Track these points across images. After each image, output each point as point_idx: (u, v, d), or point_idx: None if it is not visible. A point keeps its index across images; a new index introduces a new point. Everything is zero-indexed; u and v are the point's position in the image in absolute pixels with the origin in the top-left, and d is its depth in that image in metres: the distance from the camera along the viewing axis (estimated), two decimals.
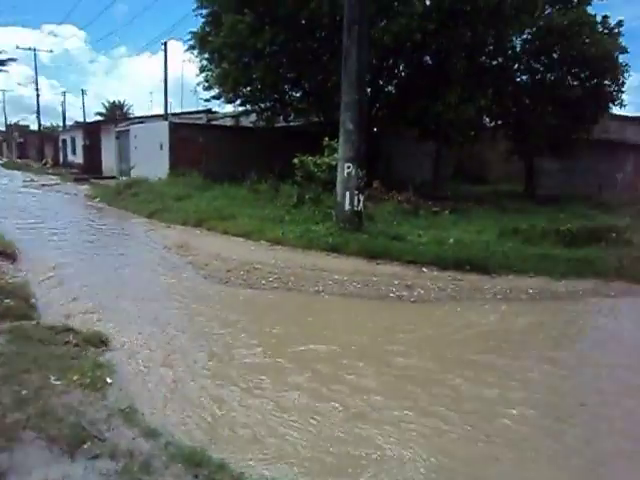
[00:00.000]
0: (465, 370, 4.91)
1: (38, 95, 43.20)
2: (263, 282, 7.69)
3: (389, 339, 5.65)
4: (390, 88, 18.22)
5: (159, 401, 4.13)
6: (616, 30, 16.65)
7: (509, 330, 6.19)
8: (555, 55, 17.00)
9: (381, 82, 17.41)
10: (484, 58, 17.11)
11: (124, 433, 3.51)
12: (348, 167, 9.65)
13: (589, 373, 5.20)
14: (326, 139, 12.65)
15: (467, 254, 8.54)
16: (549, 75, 17.48)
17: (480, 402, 4.35)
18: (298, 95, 18.49)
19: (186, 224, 12.02)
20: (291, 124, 19.40)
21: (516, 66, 17.88)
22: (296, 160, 12.70)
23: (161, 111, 25.25)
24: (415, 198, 13.93)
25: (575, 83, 16.90)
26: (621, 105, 17.14)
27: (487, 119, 19.05)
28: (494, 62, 17.52)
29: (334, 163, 12.08)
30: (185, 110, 25.83)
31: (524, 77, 18.28)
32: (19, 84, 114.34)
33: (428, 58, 17.07)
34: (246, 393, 4.33)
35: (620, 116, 19.81)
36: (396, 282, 7.75)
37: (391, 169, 19.60)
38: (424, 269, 8.41)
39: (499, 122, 19.02)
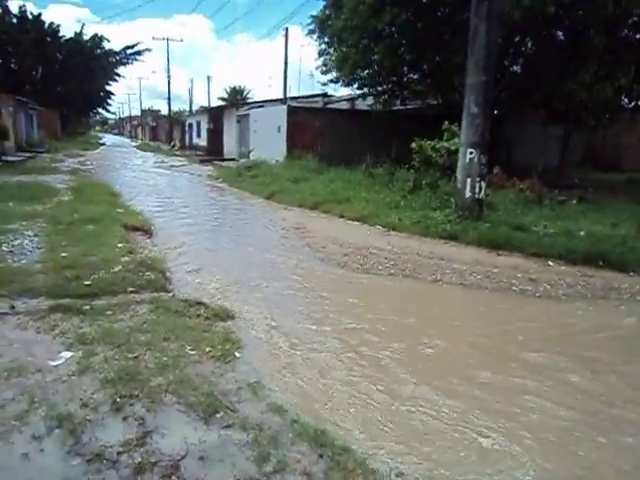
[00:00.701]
0: (599, 374, 4.57)
1: (169, 82, 46.34)
2: (379, 267, 7.69)
3: (516, 335, 5.40)
4: (515, 68, 17.19)
5: (284, 380, 4.30)
6: None
7: None
8: None
9: (506, 62, 16.43)
10: (626, 32, 15.49)
11: (253, 406, 3.71)
12: (470, 152, 9.29)
13: None
14: (446, 123, 12.28)
15: (601, 248, 7.87)
16: None
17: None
18: (416, 77, 18.11)
19: (302, 206, 12.34)
20: (408, 107, 19.06)
21: None
22: (414, 144, 12.48)
23: (279, 95, 26.02)
24: (539, 186, 13.07)
25: None
26: None
27: (626, 99, 17.35)
28: (638, 35, 15.80)
29: (454, 148, 11.74)
30: (302, 94, 26.35)
31: None
32: (153, 72, 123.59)
33: (560, 34, 15.85)
34: (371, 383, 4.37)
35: None
36: (519, 275, 7.37)
37: (513, 155, 18.61)
38: (550, 263, 7.90)
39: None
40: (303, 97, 25.29)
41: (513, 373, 4.56)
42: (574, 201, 12.72)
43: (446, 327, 5.64)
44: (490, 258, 8.16)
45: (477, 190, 9.38)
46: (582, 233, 8.63)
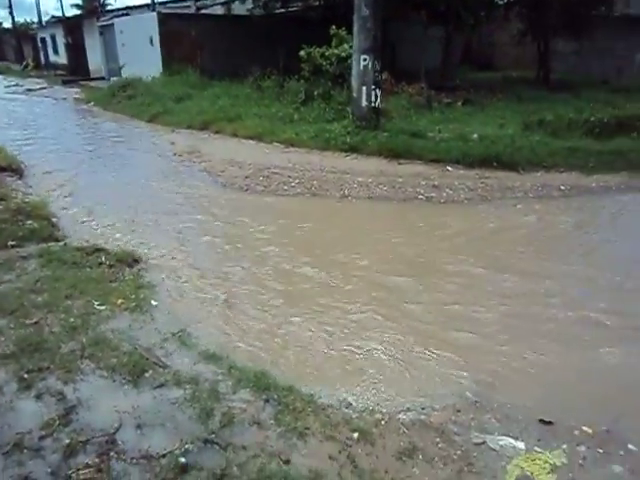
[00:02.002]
0: (510, 274, 4.84)
1: None
2: (285, 188, 7.44)
3: (430, 243, 5.54)
4: None
5: (209, 321, 4.05)
6: None
7: (547, 231, 6.04)
8: None
9: None
10: None
11: (183, 358, 3.46)
12: (364, 59, 8.97)
13: None
14: (333, 27, 11.71)
15: (494, 150, 8.19)
16: None
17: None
18: None
19: (191, 127, 11.46)
20: (289, 10, 17.97)
21: None
22: (302, 52, 11.83)
23: (145, 0, 23.25)
24: (427, 90, 13.23)
25: None
26: None
27: None
28: None
29: (344, 55, 11.33)
30: None
31: None
32: None
33: None
34: (299, 314, 4.25)
35: None
36: (423, 183, 7.51)
37: (396, 58, 18.51)
38: (449, 167, 8.11)
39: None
40: (172, 1, 22.80)
41: (439, 284, 4.68)
42: (459, 103, 13.08)
43: (365, 243, 5.63)
44: (392, 167, 8.19)
45: (373, 98, 9.21)
46: (475, 136, 8.90)
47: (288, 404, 3.00)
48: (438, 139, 8.88)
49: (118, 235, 5.75)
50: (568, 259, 5.28)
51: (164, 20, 17.40)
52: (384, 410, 3.04)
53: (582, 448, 2.76)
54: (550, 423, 2.92)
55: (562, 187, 7.34)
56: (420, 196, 7.10)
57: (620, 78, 16.86)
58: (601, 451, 2.74)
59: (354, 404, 3.11)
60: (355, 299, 4.38)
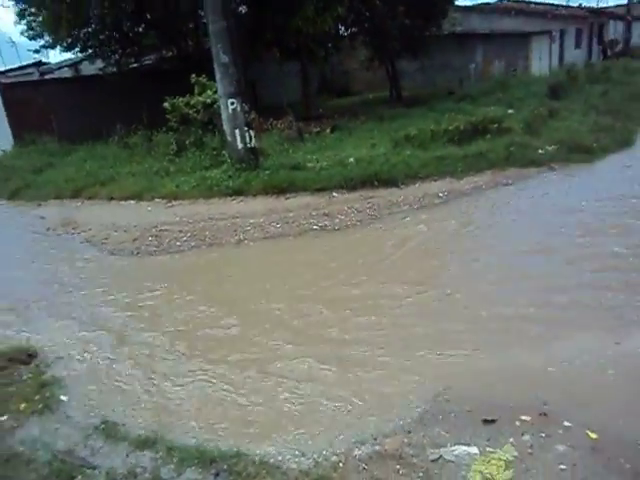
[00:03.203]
0: (408, 285, 5.08)
1: None
2: (178, 244, 7.20)
3: (339, 273, 5.64)
4: (241, 9, 17.14)
5: (131, 404, 3.75)
6: None
7: (438, 236, 6.46)
8: None
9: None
10: None
11: (113, 452, 3.17)
12: (232, 103, 9.06)
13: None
14: (193, 76, 11.72)
15: (372, 170, 8.61)
16: None
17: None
18: (141, 29, 16.73)
19: (60, 197, 10.66)
20: (144, 64, 17.66)
21: None
22: (166, 104, 11.66)
23: None
24: (296, 123, 13.64)
25: None
26: None
27: (342, 28, 18.96)
28: None
29: (209, 101, 11.36)
30: (9, 67, 22.31)
31: None
32: None
33: None
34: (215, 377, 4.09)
35: (464, 7, 20.67)
36: (314, 213, 7.67)
37: (258, 96, 18.91)
38: (334, 194, 8.38)
39: (354, 30, 19.02)
40: (11, 70, 21.43)
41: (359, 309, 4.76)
42: (328, 130, 13.63)
43: (270, 285, 5.58)
44: (281, 203, 8.28)
45: (248, 139, 9.29)
46: (352, 160, 9.30)
47: (240, 472, 2.86)
48: (318, 168, 9.15)
49: (3, 330, 5.17)
50: (460, 257, 5.69)
51: (6, 90, 16.26)
52: (338, 451, 3.01)
53: (527, 437, 2.93)
54: (493, 421, 3.07)
55: (440, 194, 7.90)
56: (314, 227, 7.23)
57: (462, 87, 18.68)
58: (543, 435, 2.93)
59: (307, 453, 3.03)
60: (270, 346, 4.32)
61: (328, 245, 6.65)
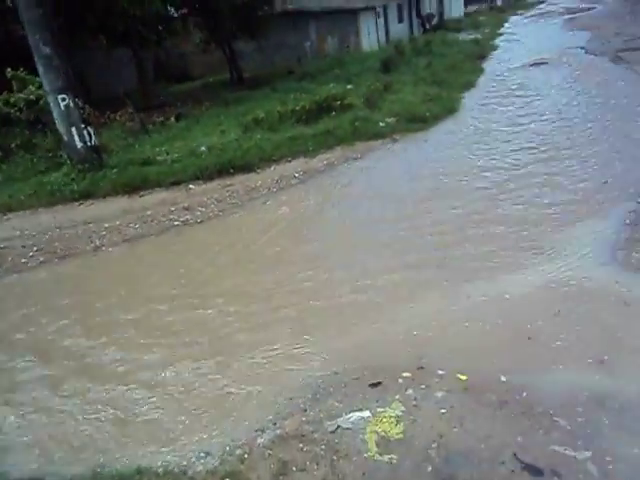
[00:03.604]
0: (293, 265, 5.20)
1: None
2: (24, 261, 6.48)
3: (211, 269, 5.54)
4: None
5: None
6: None
7: (305, 214, 6.65)
8: None
9: None
10: None
11: None
12: (63, 99, 8.27)
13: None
14: (9, 70, 10.48)
15: (226, 158, 8.50)
16: None
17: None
18: None
19: None
20: None
21: None
22: None
23: None
24: (137, 114, 12.89)
25: None
26: None
27: (172, 9, 18.16)
28: None
29: (33, 97, 10.29)
30: None
31: None
32: None
33: None
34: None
35: None
36: (172, 208, 7.40)
37: (89, 87, 17.48)
38: (191, 186, 8.14)
39: (185, 11, 18.34)
40: None
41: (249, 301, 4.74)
42: (172, 119, 13.13)
43: (143, 291, 5.31)
44: (135, 202, 7.85)
45: (87, 138, 8.60)
46: (203, 148, 9.09)
47: None
48: (170, 161, 8.81)
49: None
50: (328, 234, 5.95)
51: None
52: (241, 442, 3.03)
53: (410, 391, 3.22)
54: (379, 384, 3.31)
55: (296, 175, 8.07)
56: (175, 222, 6.98)
57: (301, 65, 19.06)
58: (423, 386, 3.24)
59: (212, 452, 3.01)
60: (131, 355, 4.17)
61: (192, 240, 6.48)
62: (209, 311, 4.65)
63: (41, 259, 6.47)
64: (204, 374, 3.79)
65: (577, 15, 36.09)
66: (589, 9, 40.85)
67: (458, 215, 5.86)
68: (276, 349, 3.92)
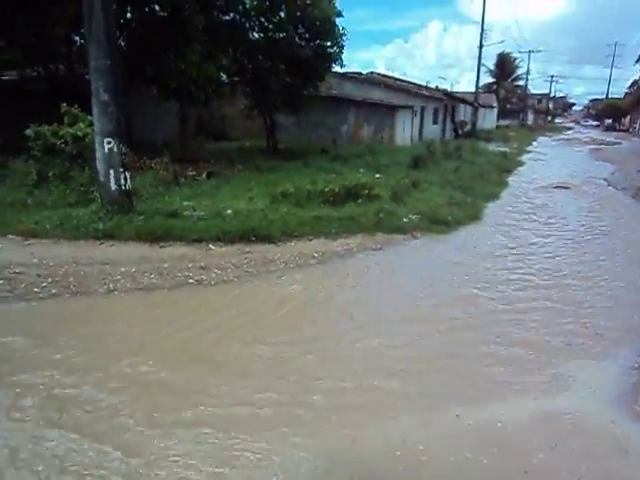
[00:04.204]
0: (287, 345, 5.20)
1: None
2: (36, 290, 6.54)
3: (220, 331, 5.55)
4: (120, 42, 16.64)
5: None
6: None
7: (315, 297, 6.72)
8: (282, 14, 17.88)
9: None
10: (217, 13, 17.01)
11: None
12: (109, 142, 8.65)
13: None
14: (64, 105, 11.03)
15: (249, 225, 8.70)
16: (279, 34, 18.30)
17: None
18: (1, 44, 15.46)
19: None
20: (3, 79, 16.20)
21: (248, 24, 18.23)
22: (30, 131, 10.76)
23: None
24: (172, 165, 13.37)
25: (303, 43, 18.15)
26: (341, 65, 19.15)
27: (224, 76, 19.24)
28: (226, 17, 17.58)
29: (81, 134, 10.76)
30: None
31: (256, 35, 18.82)
32: None
33: (158, 7, 16.11)
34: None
35: (339, 73, 22.20)
36: (189, 265, 7.50)
37: (132, 131, 18.26)
38: (211, 246, 8.30)
39: (236, 79, 19.41)
40: None
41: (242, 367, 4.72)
42: (204, 175, 13.59)
43: (149, 344, 5.31)
44: (155, 252, 7.99)
45: (123, 182, 8.90)
46: (229, 212, 9.33)
47: None
48: (195, 218, 9.03)
49: None
50: (337, 320, 5.97)
51: None
52: None
53: None
54: None
55: (315, 254, 8.21)
56: (190, 280, 7.07)
57: (335, 146, 19.86)
58: None
59: None
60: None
61: (204, 301, 6.54)
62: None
63: (53, 291, 6.53)
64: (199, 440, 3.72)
65: (602, 147, 37.62)
66: (615, 144, 42.60)
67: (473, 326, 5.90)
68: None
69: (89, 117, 10.03)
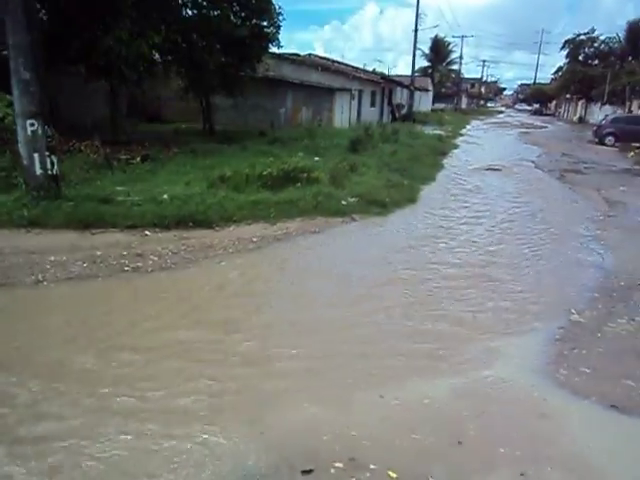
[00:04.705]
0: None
1: None
2: None
3: (148, 321, 5.41)
4: (42, 15, 15.60)
5: None
6: None
7: (253, 283, 6.68)
8: None
9: None
10: None
11: None
12: (32, 124, 8.16)
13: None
14: None
15: (187, 210, 8.49)
16: (213, 11, 17.77)
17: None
18: None
19: None
20: None
21: (181, 0, 17.62)
22: None
23: None
24: (103, 148, 12.82)
25: (238, 22, 17.72)
26: (278, 46, 18.89)
27: (157, 55, 18.51)
28: None
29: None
30: None
31: (189, 12, 18.20)
32: None
33: None
34: None
35: (277, 54, 21.89)
36: (124, 253, 7.24)
37: (58, 113, 17.30)
38: (147, 232, 8.04)
39: (169, 58, 18.73)
40: None
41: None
42: (138, 159, 13.10)
43: (80, 336, 5.10)
44: (86, 239, 7.65)
45: (49, 166, 8.43)
46: (166, 197, 9.06)
47: None
48: (130, 203, 8.71)
49: None
50: (274, 307, 5.97)
51: None
52: None
53: None
54: (311, 471, 3.29)
55: (254, 239, 8.13)
56: (126, 267, 6.83)
57: (273, 129, 19.66)
58: (354, 479, 3.23)
59: None
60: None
61: (140, 289, 6.35)
62: (146, 365, 4.52)
63: None
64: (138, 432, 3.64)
65: (530, 131, 39.47)
66: (541, 127, 44.87)
67: (405, 304, 6.06)
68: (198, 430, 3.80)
69: (8, 97, 9.44)
